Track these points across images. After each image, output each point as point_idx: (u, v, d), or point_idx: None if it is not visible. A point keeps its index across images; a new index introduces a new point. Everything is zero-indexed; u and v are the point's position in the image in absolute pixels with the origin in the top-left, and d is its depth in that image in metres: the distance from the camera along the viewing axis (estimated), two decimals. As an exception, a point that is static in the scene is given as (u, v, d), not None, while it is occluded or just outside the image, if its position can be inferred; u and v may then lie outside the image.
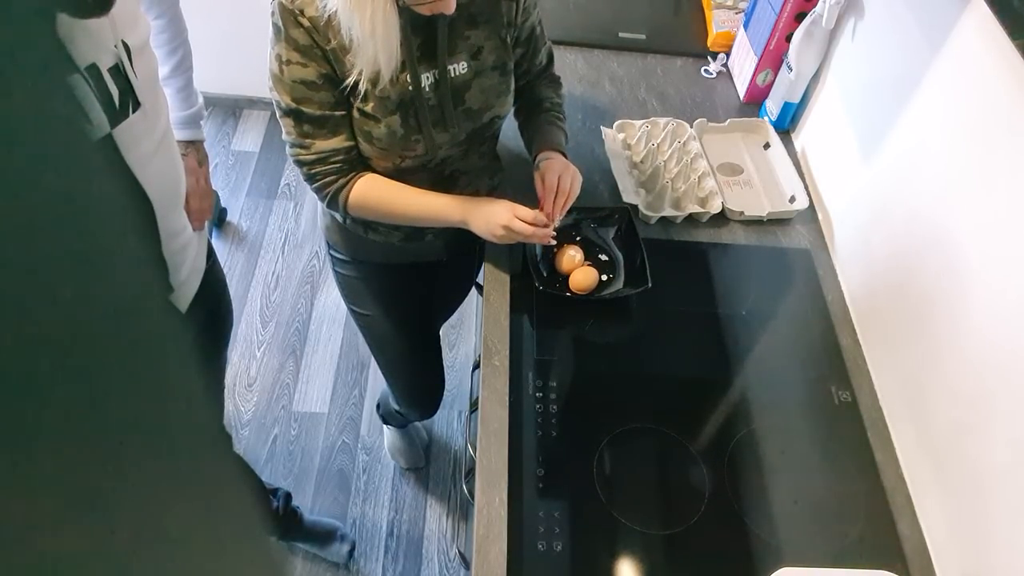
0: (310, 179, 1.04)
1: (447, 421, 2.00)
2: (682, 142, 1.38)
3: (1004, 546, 0.87)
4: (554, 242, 1.12)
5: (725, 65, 1.63)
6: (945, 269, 0.99)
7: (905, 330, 1.08)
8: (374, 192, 1.06)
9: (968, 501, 0.93)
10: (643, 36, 1.66)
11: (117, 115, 0.82)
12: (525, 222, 1.04)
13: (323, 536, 1.73)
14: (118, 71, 0.82)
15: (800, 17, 1.35)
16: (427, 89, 1.00)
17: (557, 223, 1.09)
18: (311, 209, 2.43)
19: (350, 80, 0.95)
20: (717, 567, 0.97)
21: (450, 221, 1.09)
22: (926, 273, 1.03)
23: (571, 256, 1.19)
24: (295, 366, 2.07)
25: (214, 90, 2.59)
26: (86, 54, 0.77)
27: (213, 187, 1.30)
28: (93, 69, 0.78)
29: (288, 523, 1.66)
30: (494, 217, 1.05)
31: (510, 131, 1.27)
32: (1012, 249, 0.87)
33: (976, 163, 0.94)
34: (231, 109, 2.68)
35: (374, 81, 0.96)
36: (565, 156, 1.14)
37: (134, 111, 0.85)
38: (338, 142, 1.01)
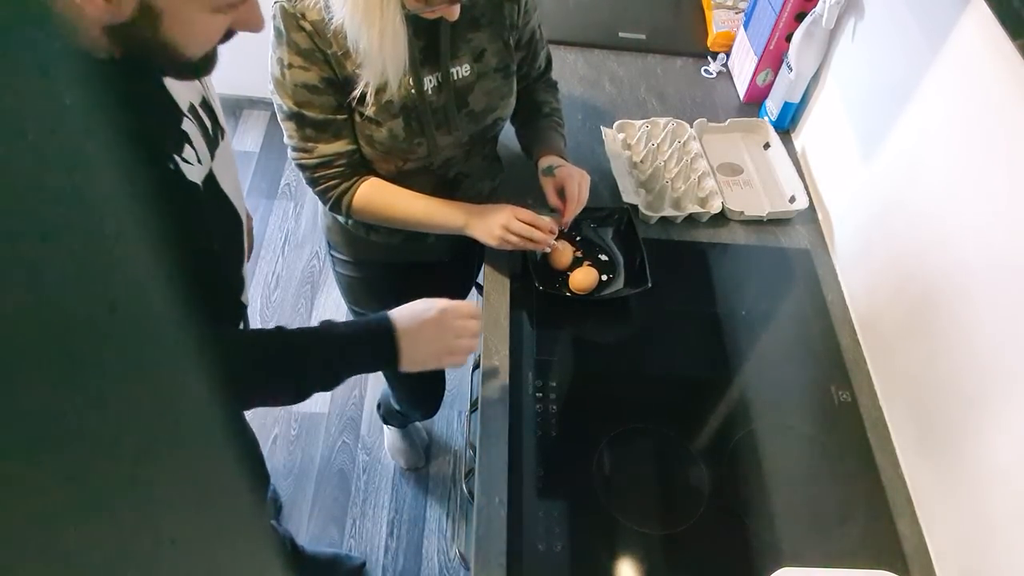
0: (313, 183, 1.04)
1: (447, 421, 2.00)
2: (682, 142, 1.38)
3: (1004, 546, 0.87)
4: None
5: (725, 65, 1.63)
6: (945, 269, 0.99)
7: (905, 330, 1.08)
8: (377, 198, 1.06)
9: (968, 501, 0.93)
10: (643, 36, 1.66)
11: (212, 145, 0.82)
12: (525, 222, 1.04)
13: (327, 564, 1.72)
14: (204, 102, 0.82)
15: (800, 17, 1.35)
16: (430, 92, 1.00)
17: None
18: (311, 209, 2.43)
19: (356, 93, 0.95)
20: (717, 567, 0.97)
21: (452, 228, 1.09)
22: (926, 273, 1.03)
23: (559, 250, 1.20)
24: (295, 366, 2.07)
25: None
26: (184, 96, 0.77)
27: None
28: (191, 109, 0.79)
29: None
30: (494, 221, 1.05)
31: (509, 132, 1.27)
32: (1012, 249, 0.87)
33: (976, 163, 0.94)
34: (231, 109, 2.68)
35: (380, 90, 0.96)
36: (567, 161, 1.15)
37: (222, 138, 0.85)
38: (341, 146, 1.01)
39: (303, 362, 0.79)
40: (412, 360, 0.85)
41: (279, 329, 0.80)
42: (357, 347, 0.83)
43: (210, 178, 0.80)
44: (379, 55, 0.90)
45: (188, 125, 0.76)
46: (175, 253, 0.74)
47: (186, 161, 0.74)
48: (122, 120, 0.69)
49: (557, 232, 1.10)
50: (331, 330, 0.82)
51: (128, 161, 0.67)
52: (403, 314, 0.86)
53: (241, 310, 0.98)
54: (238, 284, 0.94)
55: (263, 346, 0.79)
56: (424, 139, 1.02)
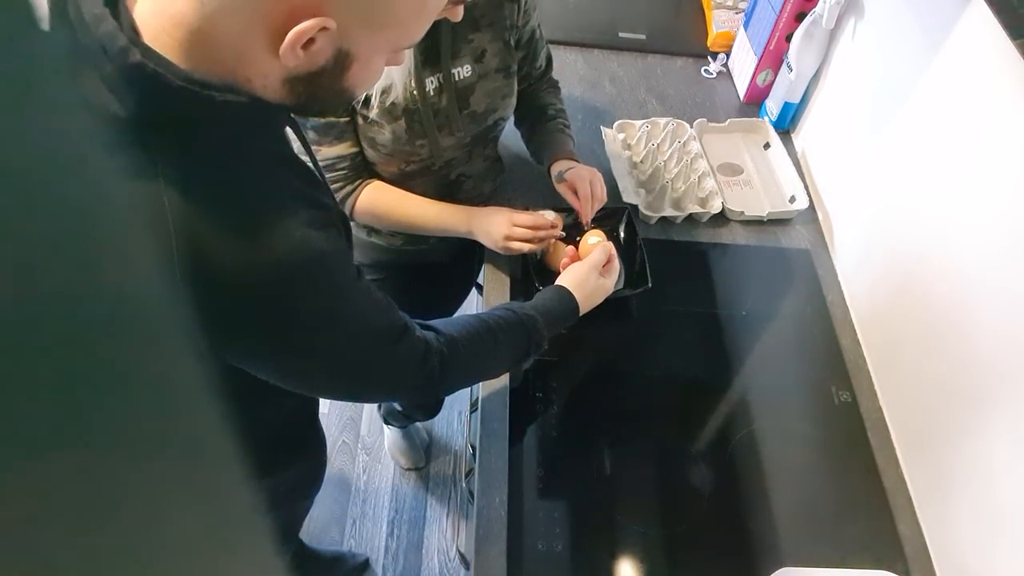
0: None
1: (447, 421, 2.00)
2: (682, 142, 1.38)
3: (1004, 546, 0.87)
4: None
5: (725, 65, 1.63)
6: (945, 269, 0.99)
7: (905, 330, 1.08)
8: (381, 201, 1.06)
9: (968, 501, 0.93)
10: (643, 36, 1.66)
11: None
12: (525, 227, 1.04)
13: (331, 562, 1.71)
14: None
15: (800, 17, 1.35)
16: (431, 93, 1.00)
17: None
18: (311, 209, 2.42)
19: (362, 95, 0.95)
20: (717, 567, 0.97)
21: (456, 232, 1.09)
22: (926, 273, 1.03)
23: (557, 250, 1.19)
24: (295, 366, 2.07)
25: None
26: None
27: None
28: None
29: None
30: (494, 230, 1.06)
31: (510, 132, 1.27)
32: (1012, 249, 0.87)
33: (976, 163, 0.94)
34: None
35: (384, 92, 0.96)
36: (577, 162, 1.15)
37: None
38: (343, 148, 1.01)
39: (533, 336, 0.90)
40: (585, 306, 1.00)
41: (500, 315, 0.87)
42: (563, 312, 0.96)
43: None
44: None
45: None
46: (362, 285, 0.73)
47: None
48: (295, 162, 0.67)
49: (560, 226, 1.10)
50: (541, 306, 0.94)
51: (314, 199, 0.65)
52: (572, 280, 1.01)
53: None
54: None
55: (498, 330, 0.86)
56: (426, 140, 1.02)
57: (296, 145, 0.72)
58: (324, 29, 0.54)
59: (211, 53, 0.55)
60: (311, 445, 1.04)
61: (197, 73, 0.54)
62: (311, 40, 0.54)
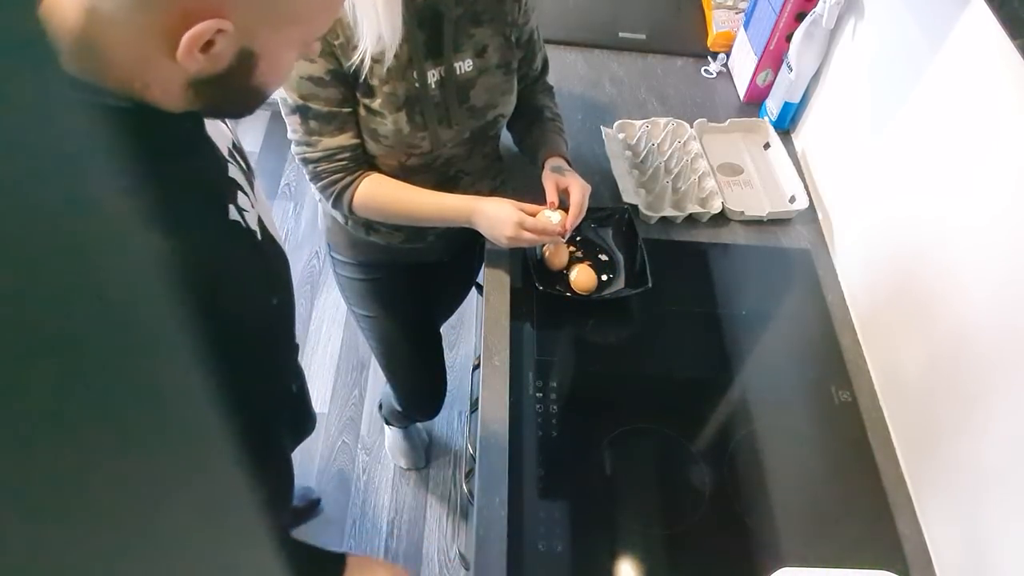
0: (316, 177, 1.04)
1: (447, 421, 2.00)
2: (682, 142, 1.38)
3: (1004, 546, 0.87)
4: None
5: (725, 65, 1.63)
6: (945, 269, 0.99)
7: (905, 330, 1.08)
8: (381, 192, 1.06)
9: (968, 501, 0.93)
10: (643, 36, 1.66)
11: (251, 188, 0.78)
12: (533, 233, 1.04)
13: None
14: (235, 145, 0.78)
15: (800, 17, 1.35)
16: (433, 86, 1.00)
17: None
18: (311, 209, 2.43)
19: (355, 59, 0.94)
20: (717, 567, 0.97)
21: (456, 219, 1.09)
22: (926, 273, 1.03)
23: (556, 250, 1.19)
24: (295, 366, 2.07)
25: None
26: (221, 142, 0.73)
27: None
28: (230, 152, 0.74)
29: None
30: (499, 226, 1.05)
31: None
32: (1012, 249, 0.87)
33: (976, 163, 0.94)
34: (231, 109, 2.68)
35: (378, 70, 0.95)
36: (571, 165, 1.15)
37: (254, 178, 0.81)
38: (345, 139, 1.01)
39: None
40: None
41: None
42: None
43: (260, 223, 0.76)
44: (372, 12, 0.88)
45: (233, 171, 0.72)
46: (247, 306, 0.70)
47: (242, 209, 0.70)
48: (180, 175, 0.66)
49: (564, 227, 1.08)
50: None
51: (191, 216, 0.64)
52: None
53: (296, 353, 0.97)
54: (293, 329, 0.91)
55: None
56: (427, 133, 1.03)
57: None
58: (221, 31, 0.52)
59: (103, 60, 0.53)
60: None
61: (87, 79, 0.53)
62: (210, 42, 0.53)
